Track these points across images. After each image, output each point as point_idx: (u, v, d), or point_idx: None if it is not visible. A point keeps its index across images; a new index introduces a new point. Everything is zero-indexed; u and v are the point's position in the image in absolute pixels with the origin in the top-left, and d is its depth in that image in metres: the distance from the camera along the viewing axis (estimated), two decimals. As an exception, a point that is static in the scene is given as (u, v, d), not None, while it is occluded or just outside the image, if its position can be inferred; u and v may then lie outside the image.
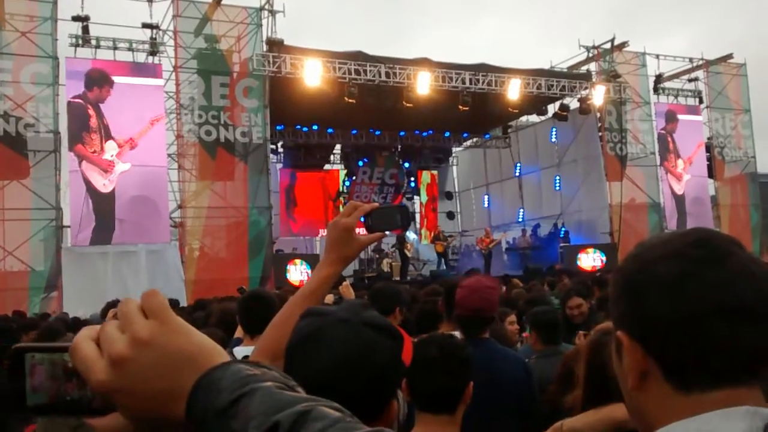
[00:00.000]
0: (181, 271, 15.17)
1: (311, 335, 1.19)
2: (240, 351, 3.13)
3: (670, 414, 0.89)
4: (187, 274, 15.20)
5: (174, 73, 15.92)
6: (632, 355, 0.93)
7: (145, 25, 16.00)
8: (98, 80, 15.10)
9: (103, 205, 14.91)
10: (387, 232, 1.86)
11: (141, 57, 16.16)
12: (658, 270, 0.92)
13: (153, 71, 16.02)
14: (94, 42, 15.55)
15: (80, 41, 15.41)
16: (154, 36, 16.14)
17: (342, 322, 1.18)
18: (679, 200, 21.68)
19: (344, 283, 6.74)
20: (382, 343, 1.18)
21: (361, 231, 1.74)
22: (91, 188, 14.82)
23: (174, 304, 9.86)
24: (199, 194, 15.90)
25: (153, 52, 16.17)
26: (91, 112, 14.96)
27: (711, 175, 22.68)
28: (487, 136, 24.92)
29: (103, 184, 14.93)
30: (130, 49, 15.98)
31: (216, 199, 15.85)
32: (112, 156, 15.01)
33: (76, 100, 14.90)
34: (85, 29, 15.46)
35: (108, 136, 15.03)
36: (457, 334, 3.00)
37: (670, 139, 21.79)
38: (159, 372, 0.73)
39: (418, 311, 4.76)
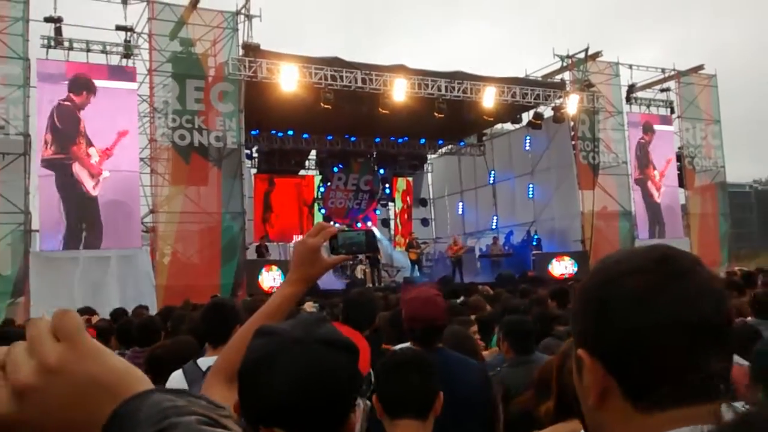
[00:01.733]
0: (152, 277, 14.99)
1: (265, 357, 1.16)
2: (204, 361, 3.11)
3: None
4: (158, 279, 15.02)
5: (148, 77, 15.76)
6: (593, 372, 0.92)
7: (119, 28, 15.84)
8: (86, 85, 15.02)
9: (86, 210, 14.84)
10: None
11: (115, 60, 16.00)
12: (620, 287, 0.91)
13: (127, 74, 15.86)
14: (66, 44, 15.35)
15: (52, 43, 15.21)
16: (128, 39, 15.99)
17: (296, 342, 1.16)
18: (657, 210, 22.04)
19: (307, 303, 6.74)
20: (337, 360, 1.17)
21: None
22: (75, 192, 14.76)
23: (144, 309, 9.73)
24: (172, 199, 15.74)
25: (127, 55, 16.01)
26: (80, 116, 14.93)
27: (682, 184, 23.03)
28: (462, 143, 25.04)
29: (92, 187, 14.92)
30: (103, 51, 15.80)
31: (189, 204, 15.70)
32: (95, 162, 14.98)
33: (66, 103, 14.82)
34: (58, 31, 15.25)
35: (89, 142, 14.98)
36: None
37: (648, 149, 22.17)
38: (69, 402, 0.65)
39: (391, 320, 4.75)
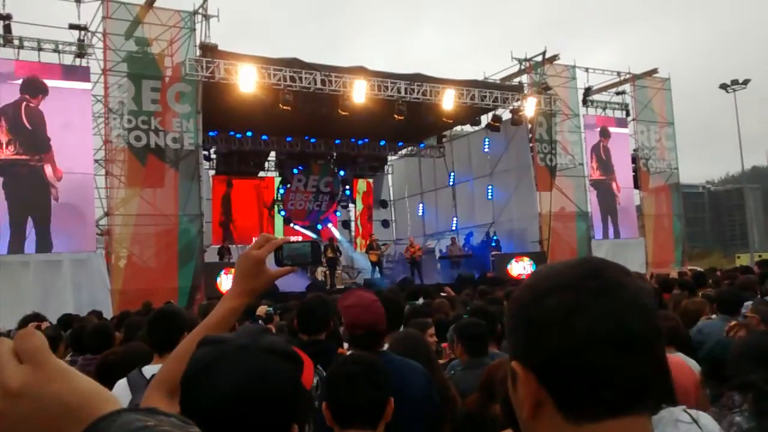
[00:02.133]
0: (107, 281, 14.72)
1: (208, 364, 1.16)
2: (148, 370, 3.07)
3: None
4: (113, 283, 14.75)
5: (103, 76, 15.46)
6: (526, 385, 0.93)
7: (72, 26, 15.51)
8: (41, 89, 14.81)
9: (38, 212, 14.59)
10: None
11: (67, 59, 15.66)
12: (551, 302, 0.93)
13: (81, 74, 15.54)
14: (16, 42, 14.97)
15: (1, 41, 14.81)
16: (81, 38, 15.66)
17: (239, 350, 1.16)
18: (614, 211, 22.61)
19: (261, 306, 6.71)
20: (281, 368, 1.16)
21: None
22: (37, 195, 14.65)
23: (98, 315, 9.53)
24: (128, 201, 15.47)
25: (80, 55, 15.68)
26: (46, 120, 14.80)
27: (637, 185, 23.52)
28: (422, 145, 25.16)
29: (56, 190, 14.82)
30: (56, 50, 15.46)
31: (145, 206, 15.45)
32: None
33: (31, 105, 14.67)
34: (7, 28, 14.89)
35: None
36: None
37: (607, 153, 22.64)
38: (36, 426, 0.63)
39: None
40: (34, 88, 14.69)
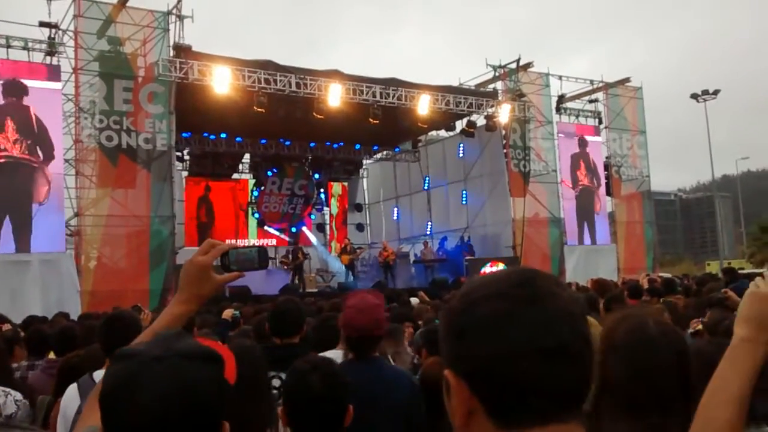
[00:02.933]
0: (77, 282, 14.51)
1: (124, 381, 1.12)
2: (99, 374, 3.01)
3: None
4: (83, 285, 14.55)
5: (74, 75, 15.25)
6: (458, 393, 0.94)
7: (42, 24, 15.30)
8: (23, 89, 14.76)
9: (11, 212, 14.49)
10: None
11: (37, 57, 15.42)
12: (481, 310, 0.93)
13: (51, 73, 15.32)
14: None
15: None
16: (52, 36, 15.44)
17: (155, 361, 1.12)
18: (591, 218, 22.93)
19: (226, 310, 6.67)
20: (202, 373, 1.13)
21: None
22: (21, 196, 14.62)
23: (66, 317, 9.39)
24: (98, 202, 15.28)
25: (51, 53, 15.46)
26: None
27: (609, 192, 23.79)
28: (397, 149, 25.20)
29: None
30: (25, 48, 15.23)
31: (116, 207, 15.27)
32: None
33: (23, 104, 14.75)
34: (-25, 25, 14.63)
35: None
36: (335, 354, 2.98)
37: (589, 159, 22.99)
38: None
39: (318, 327, 4.70)
40: (18, 89, 14.71)
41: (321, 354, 3.16)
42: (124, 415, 1.10)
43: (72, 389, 2.99)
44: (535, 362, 0.89)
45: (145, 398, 1.09)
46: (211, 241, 1.71)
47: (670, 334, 1.83)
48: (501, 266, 19.51)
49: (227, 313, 6.42)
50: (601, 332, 1.86)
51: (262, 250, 1.82)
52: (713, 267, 38.33)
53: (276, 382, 3.15)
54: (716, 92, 33.48)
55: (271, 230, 23.77)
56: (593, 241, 22.74)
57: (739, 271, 13.46)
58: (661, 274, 18.33)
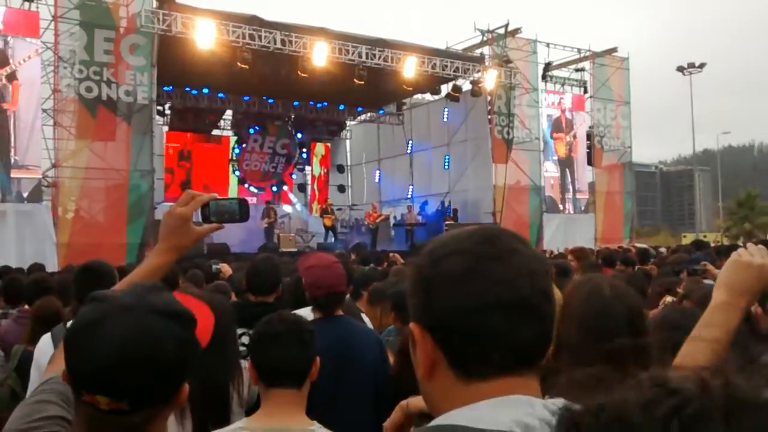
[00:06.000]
0: (53, 234, 14.40)
1: (91, 323, 1.13)
2: None
3: (452, 402, 0.94)
4: (59, 237, 14.44)
5: (53, 23, 14.90)
6: (423, 346, 0.97)
7: (22, -31, 14.88)
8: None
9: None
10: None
11: (15, 3, 15.03)
12: (446, 266, 0.97)
13: (29, 20, 14.95)
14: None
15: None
16: (32, -19, 15.03)
17: (124, 309, 1.13)
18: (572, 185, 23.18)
19: (222, 264, 6.66)
20: (167, 330, 1.14)
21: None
22: None
23: (40, 268, 9.34)
24: (77, 153, 15.07)
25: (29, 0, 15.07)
26: None
27: (590, 162, 23.90)
28: (381, 111, 25.04)
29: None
30: (3, -7, 14.82)
31: (95, 159, 15.08)
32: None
33: None
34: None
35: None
36: (305, 312, 3.00)
37: (573, 127, 23.24)
38: None
39: (293, 285, 4.72)
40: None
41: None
42: (82, 357, 1.11)
43: (46, 339, 3.00)
44: (496, 316, 0.92)
45: (104, 344, 1.10)
46: (191, 192, 1.71)
47: (624, 297, 1.88)
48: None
49: (226, 269, 6.43)
50: (561, 296, 1.90)
51: (243, 202, 1.81)
52: (689, 239, 38.84)
53: (245, 339, 3.18)
54: (702, 66, 33.54)
55: (252, 189, 23.67)
56: (575, 210, 23.02)
57: (713, 245, 13.74)
58: (636, 245, 18.62)
